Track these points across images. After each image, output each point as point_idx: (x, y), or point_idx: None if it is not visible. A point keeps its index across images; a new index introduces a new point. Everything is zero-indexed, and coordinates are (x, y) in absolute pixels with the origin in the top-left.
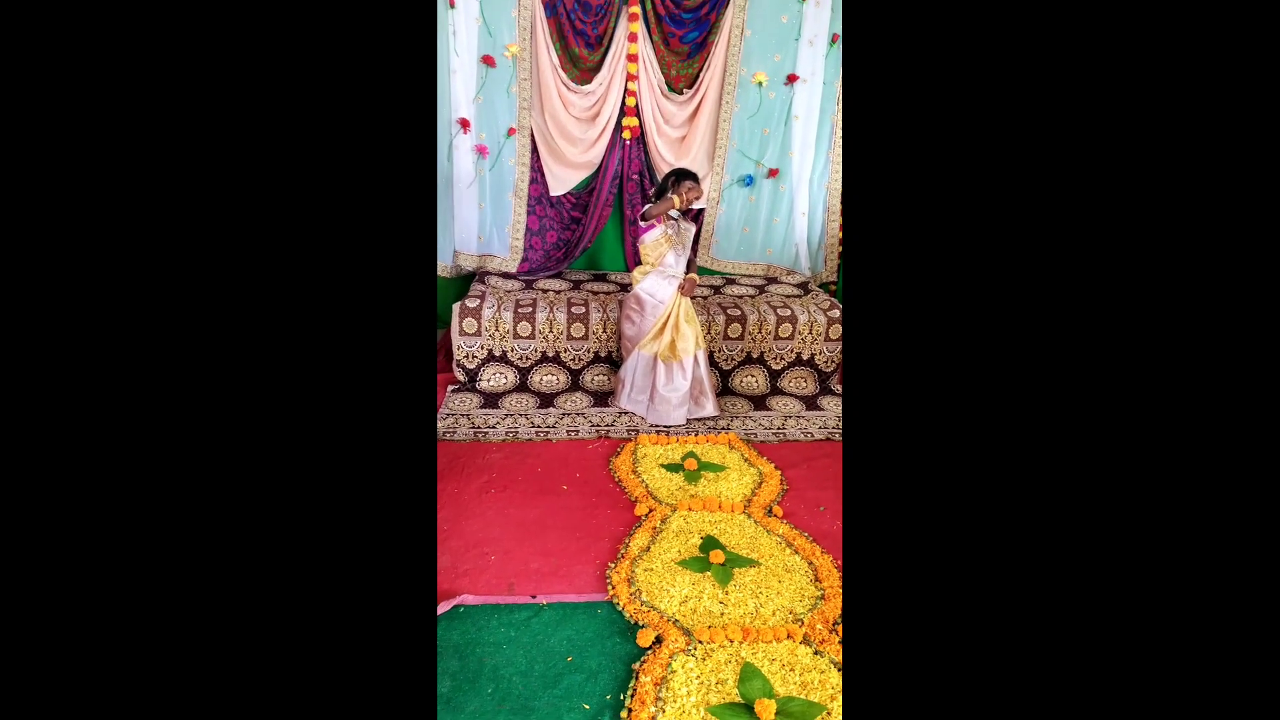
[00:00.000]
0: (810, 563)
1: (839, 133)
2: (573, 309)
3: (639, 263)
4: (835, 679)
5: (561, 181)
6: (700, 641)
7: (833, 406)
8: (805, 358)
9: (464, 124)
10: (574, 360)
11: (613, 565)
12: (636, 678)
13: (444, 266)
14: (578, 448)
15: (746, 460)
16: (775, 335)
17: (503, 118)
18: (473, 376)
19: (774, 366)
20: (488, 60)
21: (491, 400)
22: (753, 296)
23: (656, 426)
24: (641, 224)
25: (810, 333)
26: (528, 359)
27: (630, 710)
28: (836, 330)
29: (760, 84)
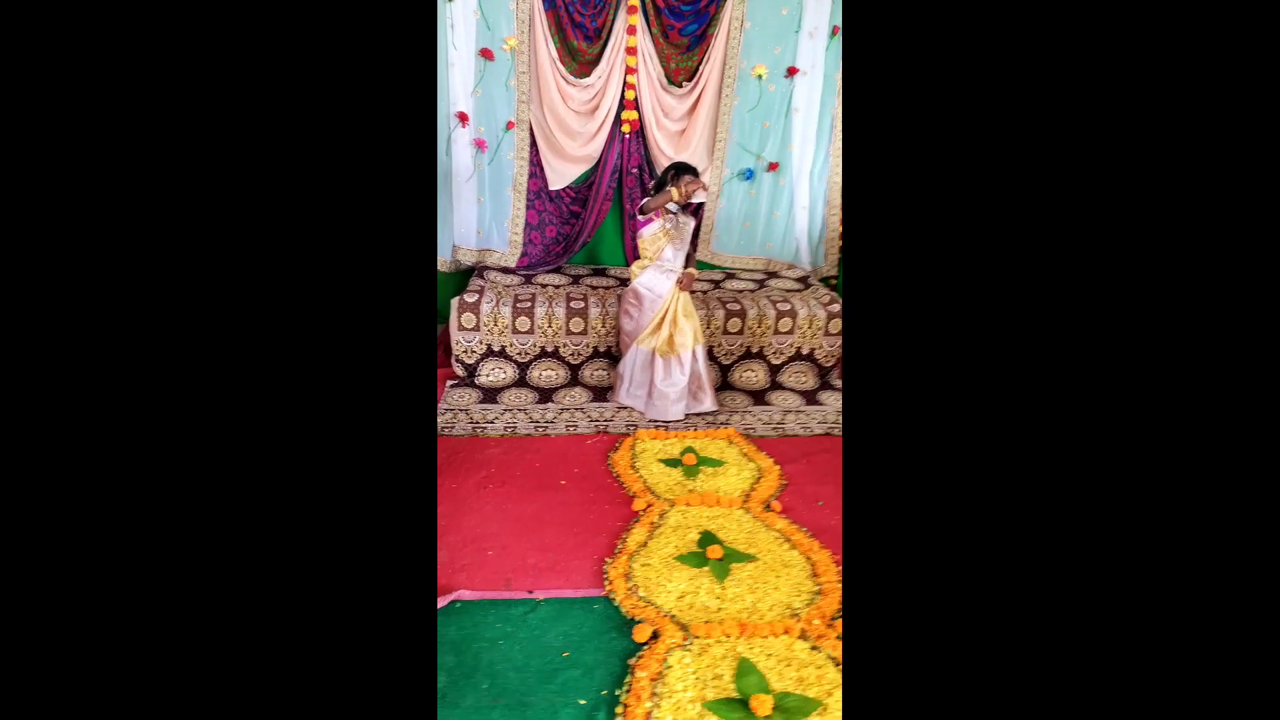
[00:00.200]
0: (808, 558)
1: (839, 126)
2: (571, 304)
3: (638, 257)
4: (832, 674)
5: (560, 175)
6: (697, 637)
7: (832, 401)
8: (805, 352)
9: (462, 118)
10: (573, 355)
11: (610, 560)
12: (632, 673)
13: (443, 261)
14: (576, 443)
15: (745, 455)
16: (775, 330)
17: (501, 111)
18: (471, 372)
19: (773, 361)
20: (486, 53)
21: (490, 395)
22: (752, 291)
23: (655, 421)
24: (640, 218)
25: (810, 327)
26: (526, 354)
27: (626, 705)
28: (836, 325)
29: (760, 77)
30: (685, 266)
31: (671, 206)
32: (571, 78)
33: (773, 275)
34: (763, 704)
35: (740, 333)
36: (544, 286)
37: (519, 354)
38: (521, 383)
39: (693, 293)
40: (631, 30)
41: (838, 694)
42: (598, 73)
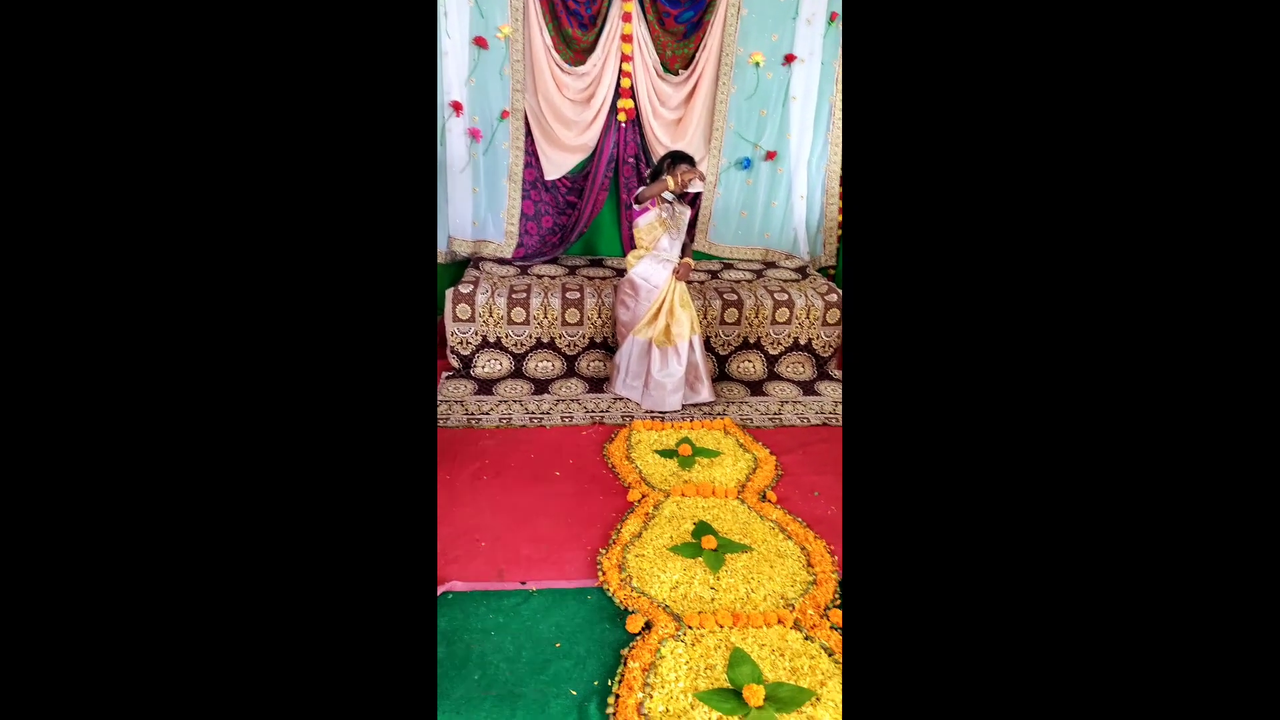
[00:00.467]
0: (803, 548)
1: (838, 114)
2: (567, 294)
3: (635, 247)
4: (825, 664)
5: (556, 165)
6: (690, 627)
7: (830, 391)
8: (802, 342)
9: (457, 107)
10: (569, 346)
11: (604, 551)
12: (625, 663)
13: (439, 252)
14: (571, 434)
15: (741, 446)
16: (772, 320)
17: (496, 100)
18: (467, 363)
19: (771, 351)
20: (480, 42)
21: (486, 386)
22: (750, 281)
23: (651, 412)
24: (635, 207)
25: (808, 317)
26: (522, 345)
27: (618, 696)
28: (834, 315)
29: (757, 64)
30: (682, 256)
31: (667, 195)
32: (566, 66)
33: (770, 265)
34: (755, 694)
35: (737, 323)
36: (540, 277)
37: (515, 345)
38: (517, 374)
39: (689, 283)
40: (627, 17)
41: (830, 684)
42: (593, 61)
